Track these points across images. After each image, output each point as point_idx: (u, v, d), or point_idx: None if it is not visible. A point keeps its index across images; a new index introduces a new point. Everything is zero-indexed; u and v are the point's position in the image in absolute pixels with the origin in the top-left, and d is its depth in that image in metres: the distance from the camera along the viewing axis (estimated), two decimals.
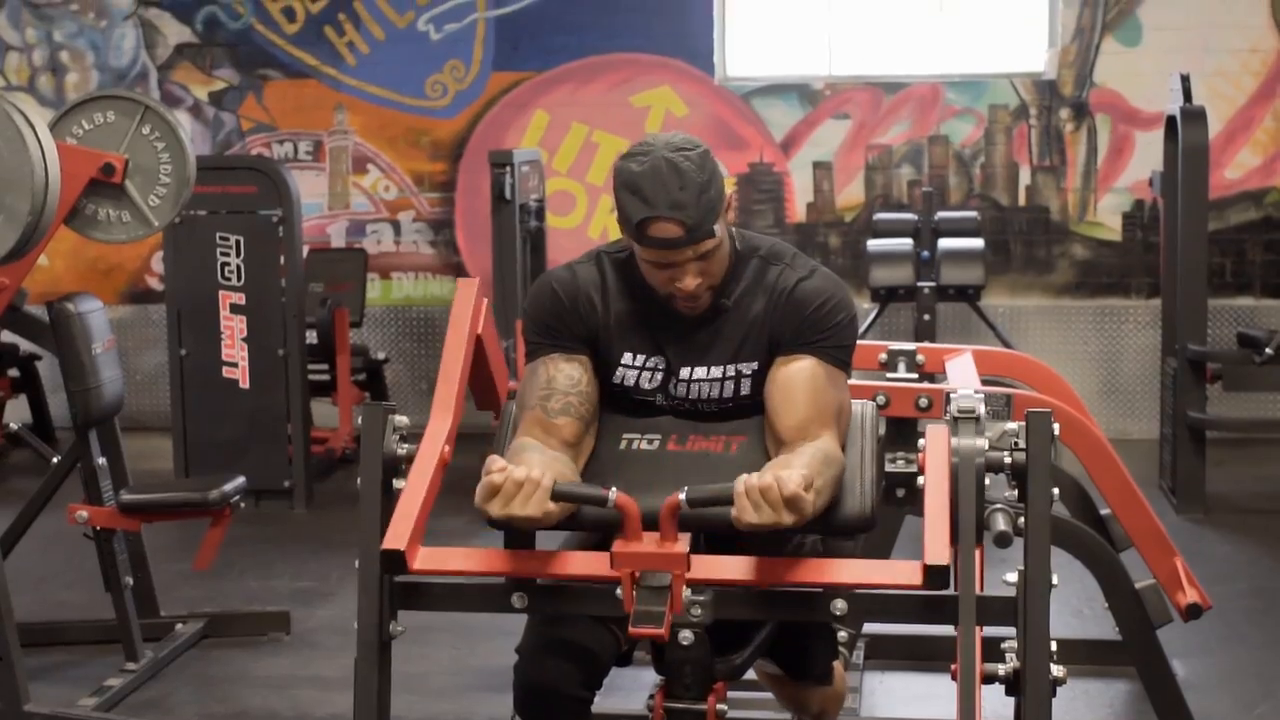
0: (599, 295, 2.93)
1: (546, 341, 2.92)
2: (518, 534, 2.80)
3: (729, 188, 2.92)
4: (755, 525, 2.51)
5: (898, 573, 2.68)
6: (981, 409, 2.73)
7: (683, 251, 2.78)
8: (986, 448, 2.69)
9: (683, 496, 2.56)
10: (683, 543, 2.58)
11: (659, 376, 2.93)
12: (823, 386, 2.81)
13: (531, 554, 2.78)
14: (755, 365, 2.90)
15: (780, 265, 2.91)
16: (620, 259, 2.96)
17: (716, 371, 2.91)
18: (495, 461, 2.61)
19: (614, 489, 2.59)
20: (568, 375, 2.88)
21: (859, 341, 3.07)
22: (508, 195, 7.06)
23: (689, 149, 2.79)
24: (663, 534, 2.58)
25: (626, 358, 2.92)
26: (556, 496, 2.60)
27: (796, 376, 2.82)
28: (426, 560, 2.75)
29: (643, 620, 2.52)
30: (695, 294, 2.83)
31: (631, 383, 2.93)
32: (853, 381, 2.96)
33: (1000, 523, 2.94)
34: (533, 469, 2.60)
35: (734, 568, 2.69)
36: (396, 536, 2.72)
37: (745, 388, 2.90)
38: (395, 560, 2.70)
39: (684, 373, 2.91)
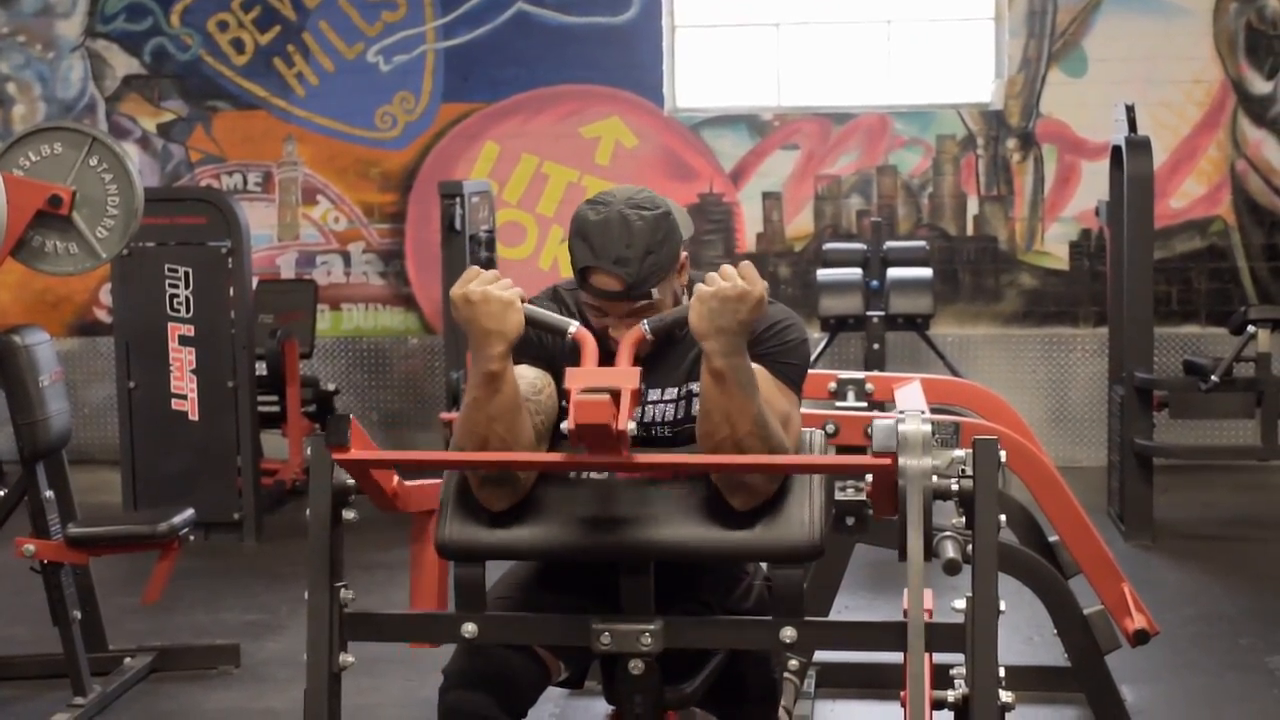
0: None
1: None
2: (469, 582, 2.78)
3: (684, 251, 2.92)
4: (719, 319, 2.62)
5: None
6: (929, 432, 2.74)
7: (618, 304, 2.81)
8: (934, 475, 2.70)
9: (645, 325, 2.68)
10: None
11: None
12: (772, 398, 2.80)
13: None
14: (664, 391, 2.92)
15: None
16: (575, 294, 2.97)
17: (670, 393, 2.92)
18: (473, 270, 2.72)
19: (575, 324, 2.73)
20: (529, 382, 2.86)
21: (810, 371, 3.08)
22: (458, 226, 7.07)
23: (647, 208, 2.81)
24: (618, 360, 2.68)
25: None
26: (526, 313, 2.71)
27: None
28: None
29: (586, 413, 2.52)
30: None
31: None
32: (802, 410, 2.97)
33: (949, 550, 2.96)
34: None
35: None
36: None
37: (697, 406, 2.89)
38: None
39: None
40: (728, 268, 2.66)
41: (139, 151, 9.05)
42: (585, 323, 2.89)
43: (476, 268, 2.74)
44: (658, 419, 2.93)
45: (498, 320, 2.65)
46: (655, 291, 2.81)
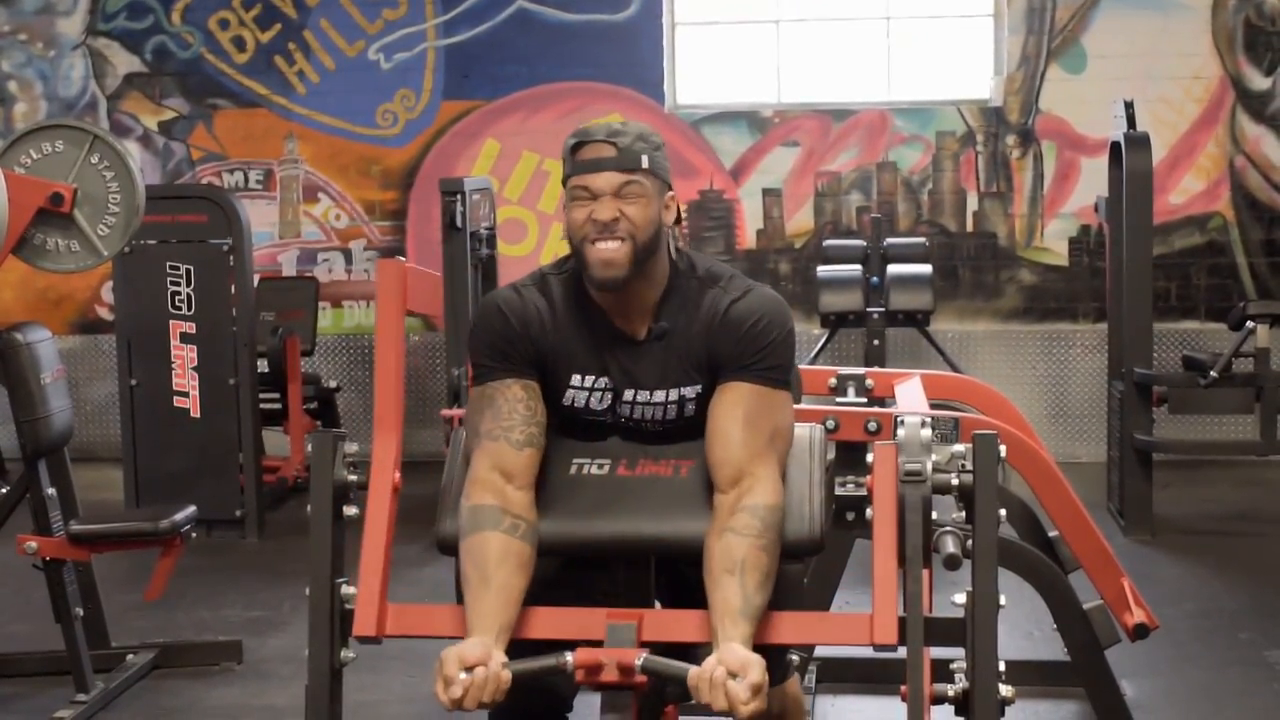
0: (547, 316, 2.92)
1: (499, 366, 2.89)
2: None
3: (679, 209, 2.96)
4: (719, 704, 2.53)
5: (849, 631, 2.72)
6: (929, 431, 2.75)
7: (609, 176, 2.82)
8: (932, 470, 2.72)
9: (639, 662, 2.57)
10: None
11: (608, 397, 2.92)
12: (759, 415, 2.81)
13: None
14: (699, 388, 2.90)
15: (715, 288, 2.91)
16: (564, 278, 2.96)
17: (659, 396, 2.91)
18: (448, 663, 2.56)
19: (568, 654, 2.59)
20: (526, 405, 2.86)
21: (810, 367, 3.10)
22: (459, 223, 7.07)
23: (642, 126, 2.92)
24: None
25: (575, 379, 2.92)
26: (515, 678, 2.58)
27: (732, 411, 2.81)
28: (398, 624, 2.79)
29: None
30: (610, 227, 2.81)
31: (581, 404, 2.92)
32: (802, 406, 2.99)
33: (949, 545, 2.97)
34: (489, 659, 2.57)
35: (687, 628, 2.72)
36: (365, 619, 2.75)
37: (689, 410, 2.90)
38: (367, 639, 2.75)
39: (628, 395, 2.91)
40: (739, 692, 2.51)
41: (140, 149, 9.06)
42: (589, 308, 2.89)
43: (450, 667, 2.59)
44: (647, 418, 2.93)
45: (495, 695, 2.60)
46: (644, 180, 2.84)
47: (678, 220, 2.95)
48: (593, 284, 2.86)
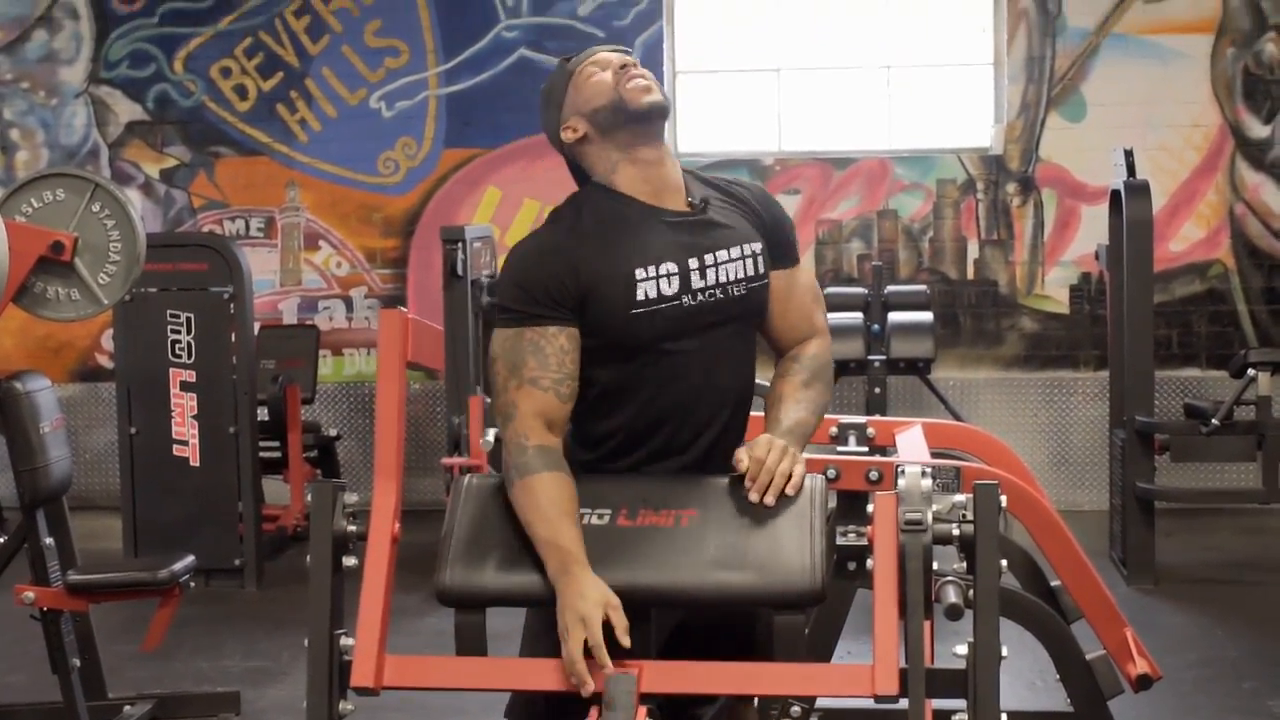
0: (588, 231, 2.92)
1: (545, 312, 2.86)
2: (469, 629, 2.78)
3: None
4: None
5: (850, 682, 2.71)
6: (930, 481, 2.74)
7: (621, 54, 3.02)
8: (934, 520, 2.71)
9: None
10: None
11: (675, 280, 2.90)
12: (810, 289, 3.14)
13: (499, 664, 2.78)
14: (759, 245, 3.01)
15: (716, 176, 3.15)
16: (579, 203, 3.01)
17: (735, 251, 2.97)
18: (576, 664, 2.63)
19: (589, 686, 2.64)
20: (572, 358, 2.87)
21: None
22: (460, 271, 7.08)
23: None
24: None
25: (639, 273, 2.88)
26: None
27: (796, 290, 3.10)
28: (397, 675, 2.77)
29: None
30: (637, 67, 2.98)
31: (654, 294, 2.89)
32: (803, 455, 2.98)
33: (951, 595, 2.96)
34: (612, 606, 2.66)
35: (689, 679, 2.71)
36: (363, 670, 2.74)
37: (760, 265, 3.01)
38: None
39: (695, 264, 2.92)
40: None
41: (141, 197, 9.08)
42: (620, 215, 2.94)
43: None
44: (732, 278, 2.96)
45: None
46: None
47: None
48: (639, 118, 2.94)
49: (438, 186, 9.04)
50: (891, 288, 8.08)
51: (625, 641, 2.63)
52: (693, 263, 2.92)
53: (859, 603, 4.35)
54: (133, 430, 7.01)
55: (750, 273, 2.98)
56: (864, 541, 2.83)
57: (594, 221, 2.94)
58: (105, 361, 9.04)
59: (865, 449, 4.35)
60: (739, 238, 2.98)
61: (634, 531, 2.82)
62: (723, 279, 2.95)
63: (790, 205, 8.83)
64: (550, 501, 2.76)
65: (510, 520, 2.83)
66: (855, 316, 7.81)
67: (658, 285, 2.90)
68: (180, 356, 6.94)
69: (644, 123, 2.93)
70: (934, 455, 4.24)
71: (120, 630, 5.72)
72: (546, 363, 2.85)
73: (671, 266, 2.90)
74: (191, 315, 6.94)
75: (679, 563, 2.75)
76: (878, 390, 7.56)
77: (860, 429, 4.37)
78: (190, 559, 4.91)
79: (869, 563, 2.72)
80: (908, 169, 8.85)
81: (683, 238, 2.93)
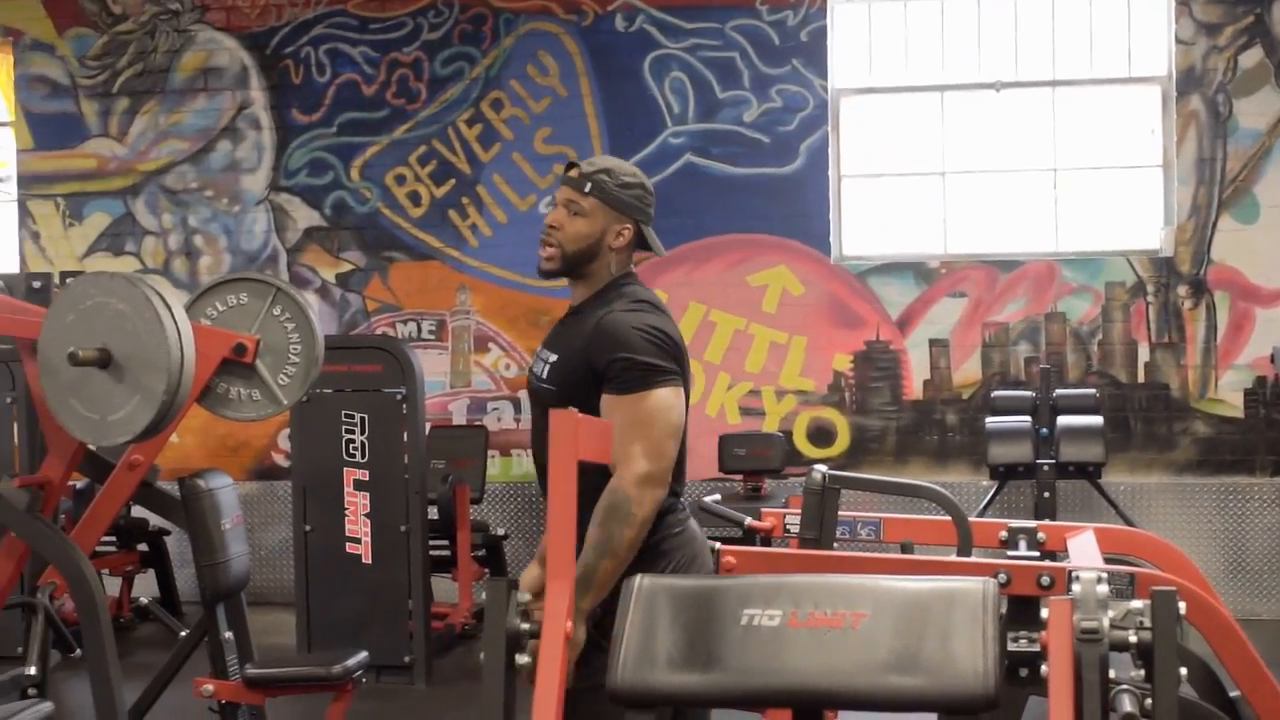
0: None
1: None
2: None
3: (632, 240, 3.68)
4: None
5: None
6: (1106, 587, 2.72)
7: (563, 191, 3.62)
8: (1110, 627, 2.68)
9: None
10: None
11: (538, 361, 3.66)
12: (623, 422, 3.34)
13: None
14: (555, 357, 3.57)
15: (621, 300, 3.56)
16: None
17: (548, 355, 3.61)
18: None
19: None
20: None
21: (980, 519, 3.09)
22: None
23: (618, 163, 3.69)
24: None
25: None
26: None
27: (611, 417, 3.36)
28: None
29: None
30: (547, 233, 3.62)
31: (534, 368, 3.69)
32: (973, 560, 2.97)
33: (1126, 704, 2.91)
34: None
35: None
36: None
37: (546, 372, 3.58)
38: None
39: (544, 354, 3.64)
40: None
41: (318, 300, 9.32)
42: None
43: None
44: (537, 371, 3.63)
45: None
46: (583, 203, 3.59)
47: (630, 248, 3.67)
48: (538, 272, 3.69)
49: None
50: (1060, 391, 8.00)
51: None
52: (542, 353, 3.65)
53: (1029, 711, 4.30)
54: (307, 528, 7.15)
55: (542, 374, 3.60)
56: (1036, 647, 2.81)
57: None
58: (281, 460, 9.24)
59: (1035, 554, 4.31)
60: (555, 347, 3.60)
61: (806, 633, 2.83)
62: (535, 370, 3.64)
63: (956, 308, 8.81)
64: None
65: (681, 619, 2.85)
66: (1023, 420, 7.74)
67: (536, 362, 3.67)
68: (354, 456, 7.08)
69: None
70: (1106, 561, 4.18)
71: None
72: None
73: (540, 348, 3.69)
74: (365, 416, 7.08)
75: (851, 666, 2.75)
76: (1046, 494, 7.47)
77: (1030, 533, 4.33)
78: (363, 655, 5.00)
79: (1042, 669, 2.69)
80: (1075, 271, 8.78)
81: (551, 331, 3.72)
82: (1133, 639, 2.66)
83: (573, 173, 3.59)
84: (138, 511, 8.07)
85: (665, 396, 3.41)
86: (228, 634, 4.89)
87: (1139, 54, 8.85)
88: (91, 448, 4.91)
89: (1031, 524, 4.40)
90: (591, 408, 3.36)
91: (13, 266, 9.66)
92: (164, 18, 9.60)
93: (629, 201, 3.64)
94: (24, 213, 9.78)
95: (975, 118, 9.00)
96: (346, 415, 7.08)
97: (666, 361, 3.45)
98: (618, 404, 3.37)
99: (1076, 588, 2.72)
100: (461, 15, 9.29)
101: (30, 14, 9.75)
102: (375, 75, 9.39)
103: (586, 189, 3.58)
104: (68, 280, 7.09)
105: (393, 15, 9.38)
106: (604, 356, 3.42)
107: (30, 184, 9.78)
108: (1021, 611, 3.86)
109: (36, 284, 6.32)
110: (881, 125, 9.12)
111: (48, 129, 9.75)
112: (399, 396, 7.10)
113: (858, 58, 9.12)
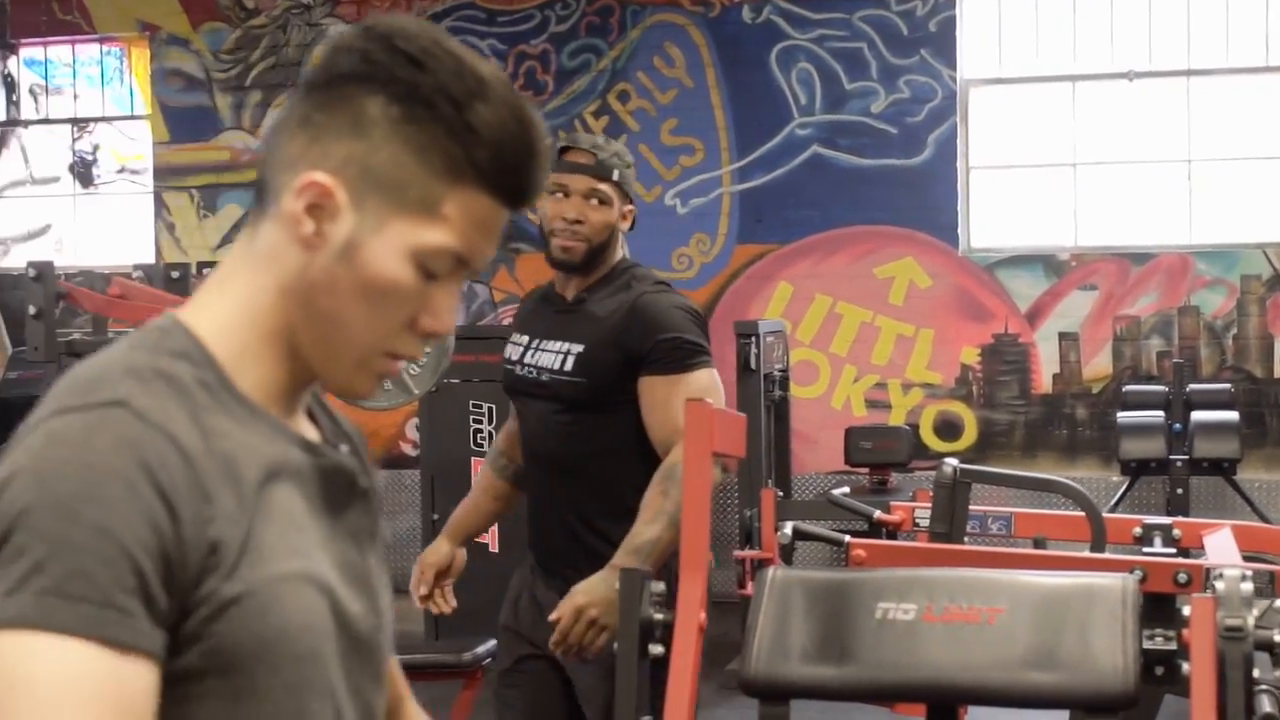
0: None
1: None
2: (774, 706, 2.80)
3: (634, 220, 3.62)
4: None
5: None
6: (1250, 585, 2.68)
7: (583, 180, 3.44)
8: (1254, 625, 2.64)
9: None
10: None
11: (517, 350, 3.59)
12: (663, 402, 3.34)
13: None
14: (581, 347, 3.44)
15: (642, 283, 3.51)
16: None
17: (556, 345, 3.48)
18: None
19: None
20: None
21: (1113, 515, 3.05)
22: (752, 365, 7.14)
23: (619, 145, 3.63)
24: None
25: (513, 336, 3.70)
26: None
27: (653, 399, 3.37)
28: None
29: None
30: (573, 228, 3.45)
31: (508, 355, 3.62)
32: (1107, 555, 2.94)
33: (1266, 705, 2.86)
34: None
35: None
36: None
37: (568, 364, 3.44)
38: None
39: (539, 343, 3.52)
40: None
41: None
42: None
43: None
44: (542, 364, 3.50)
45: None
46: (610, 190, 3.47)
47: (631, 228, 3.60)
48: (550, 263, 3.52)
49: (730, 282, 9.15)
50: (1194, 386, 7.88)
51: None
52: (533, 341, 3.54)
53: (1165, 710, 4.24)
54: (435, 516, 7.20)
55: (555, 367, 3.46)
56: (1172, 645, 2.77)
57: None
58: (409, 449, 9.35)
59: (1171, 550, 4.25)
60: (571, 337, 3.46)
61: (941, 628, 2.81)
62: (538, 362, 3.51)
63: (1086, 301, 8.70)
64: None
65: (814, 612, 2.85)
66: (1156, 415, 7.63)
67: (515, 351, 3.59)
68: (481, 445, 7.13)
69: (552, 267, 3.58)
70: (1244, 558, 4.11)
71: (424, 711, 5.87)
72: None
73: (526, 339, 3.57)
74: (493, 405, 7.13)
75: (988, 661, 2.73)
76: (1180, 491, 7.36)
77: (1166, 530, 4.27)
78: (492, 642, 5.04)
79: (1183, 667, 2.66)
80: (1210, 264, 8.63)
81: (541, 322, 3.58)
82: (1277, 638, 2.62)
83: (584, 159, 3.47)
84: None
85: (712, 376, 3.47)
86: None
87: (1276, 42, 8.68)
88: None
89: (1166, 520, 4.34)
90: (625, 395, 3.40)
91: (149, 257, 9.84)
92: (296, 11, 9.73)
93: (631, 181, 3.62)
94: (159, 204, 9.97)
95: (1108, 108, 8.88)
96: (474, 405, 7.15)
97: (707, 341, 3.51)
98: (665, 383, 3.37)
99: (1220, 585, 2.69)
100: (589, 7, 9.33)
101: (166, 9, 9.93)
102: (503, 67, 9.42)
103: (614, 176, 3.50)
104: (204, 271, 7.22)
105: (520, 8, 9.43)
106: (648, 338, 3.39)
107: (166, 176, 9.97)
108: (1156, 608, 3.81)
109: (175, 274, 6.43)
110: (1011, 116, 9.03)
111: (183, 122, 9.93)
112: None
113: (987, 48, 9.03)
